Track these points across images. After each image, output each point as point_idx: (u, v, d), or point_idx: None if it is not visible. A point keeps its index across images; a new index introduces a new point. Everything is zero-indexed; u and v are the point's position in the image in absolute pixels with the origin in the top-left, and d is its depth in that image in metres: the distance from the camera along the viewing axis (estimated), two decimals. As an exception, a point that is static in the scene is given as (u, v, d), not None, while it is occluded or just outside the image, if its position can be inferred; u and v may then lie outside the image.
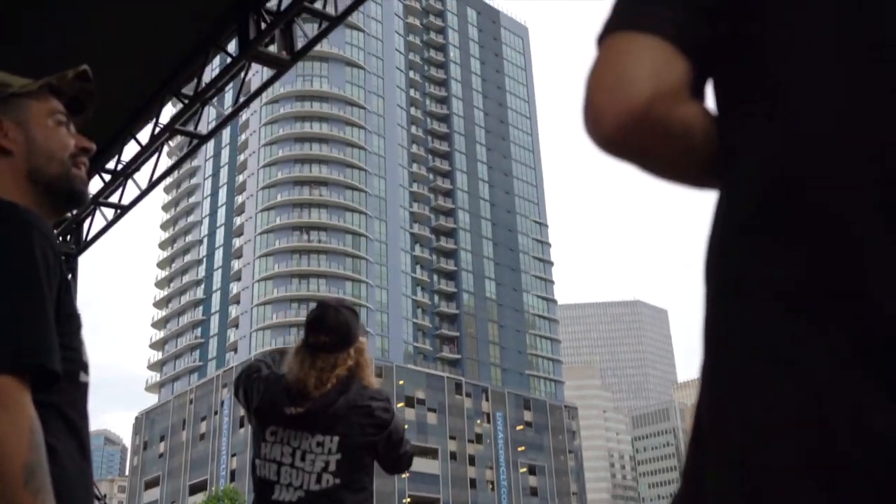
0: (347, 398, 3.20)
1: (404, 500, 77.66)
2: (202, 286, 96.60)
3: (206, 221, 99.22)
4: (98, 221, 11.27)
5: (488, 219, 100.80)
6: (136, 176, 10.67)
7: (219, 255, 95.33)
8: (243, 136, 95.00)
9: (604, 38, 0.91)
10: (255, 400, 3.33)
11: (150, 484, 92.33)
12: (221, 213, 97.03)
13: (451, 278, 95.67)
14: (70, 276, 1.57)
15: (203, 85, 8.83)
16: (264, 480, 3.21)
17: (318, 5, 7.92)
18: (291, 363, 3.31)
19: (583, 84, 0.90)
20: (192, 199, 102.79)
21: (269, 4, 7.82)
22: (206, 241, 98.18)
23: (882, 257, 0.76)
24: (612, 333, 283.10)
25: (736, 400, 0.81)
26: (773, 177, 0.84)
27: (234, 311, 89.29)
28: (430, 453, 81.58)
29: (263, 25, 7.77)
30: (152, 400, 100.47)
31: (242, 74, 8.80)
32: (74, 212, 10.81)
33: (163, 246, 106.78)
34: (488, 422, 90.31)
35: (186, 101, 9.08)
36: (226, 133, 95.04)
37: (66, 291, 1.54)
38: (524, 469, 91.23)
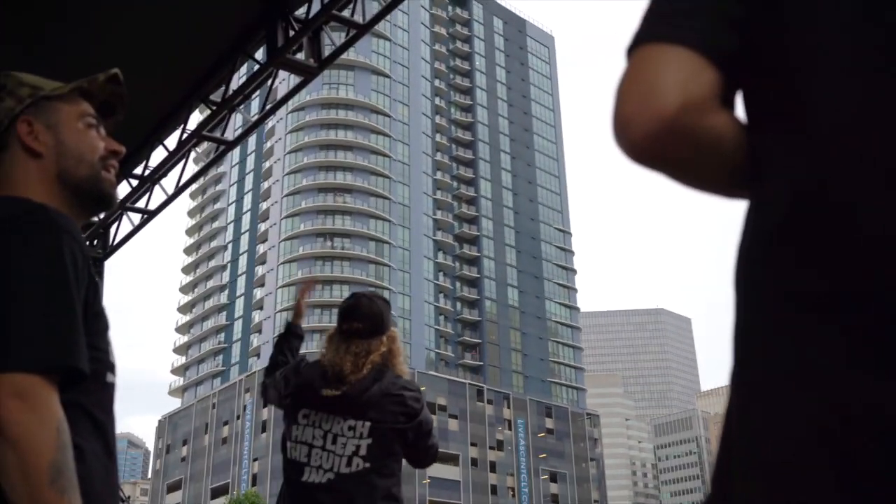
0: (381, 385, 3.25)
1: (425, 507, 77.59)
2: (226, 291, 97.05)
3: (230, 227, 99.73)
4: (125, 226, 11.38)
5: (511, 226, 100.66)
6: (163, 182, 10.77)
7: (243, 261, 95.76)
8: (269, 143, 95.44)
9: (633, 49, 0.92)
10: (290, 383, 3.39)
11: (173, 487, 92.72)
12: (246, 219, 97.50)
13: (473, 285, 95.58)
14: (97, 278, 1.64)
15: (230, 92, 8.90)
16: (294, 462, 3.26)
17: (345, 14, 7.97)
18: (326, 348, 3.38)
19: (613, 94, 0.92)
20: (218, 206, 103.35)
21: (297, 12, 7.88)
22: (230, 246, 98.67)
23: None
24: (636, 342, 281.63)
25: (763, 406, 0.82)
26: (801, 188, 0.84)
27: (257, 316, 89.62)
28: (452, 459, 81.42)
29: (291, 33, 7.83)
30: (175, 404, 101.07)
31: (269, 82, 8.86)
32: (102, 216, 10.94)
33: (188, 251, 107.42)
34: (510, 429, 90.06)
35: (214, 108, 9.15)
36: (251, 140, 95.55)
37: (94, 293, 1.56)
38: (545, 476, 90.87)
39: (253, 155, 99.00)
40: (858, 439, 0.75)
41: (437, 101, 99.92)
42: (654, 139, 0.88)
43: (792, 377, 0.80)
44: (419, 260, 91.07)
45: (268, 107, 9.56)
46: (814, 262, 0.81)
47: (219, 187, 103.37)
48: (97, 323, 1.56)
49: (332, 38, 8.31)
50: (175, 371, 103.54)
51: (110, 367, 1.62)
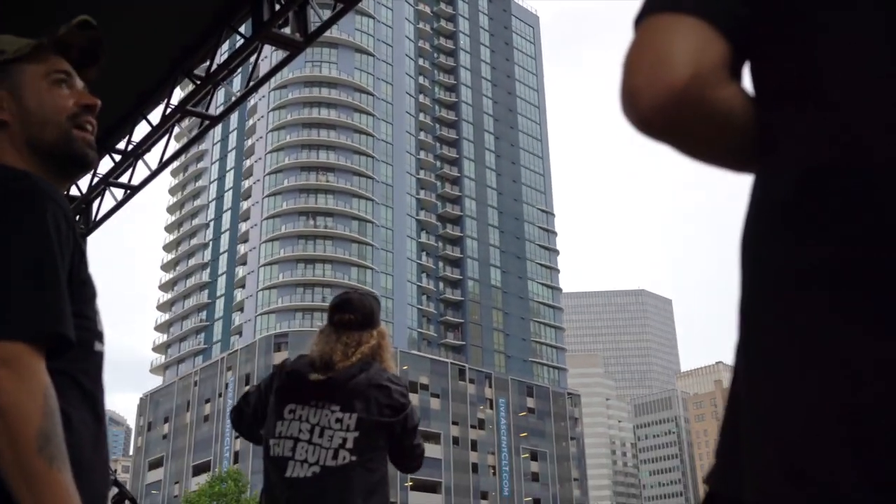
0: (368, 375, 3.29)
1: (406, 484, 77.98)
2: (208, 270, 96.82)
3: (212, 205, 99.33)
4: (107, 202, 11.30)
5: (495, 207, 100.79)
6: (147, 157, 10.69)
7: (225, 239, 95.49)
8: (251, 121, 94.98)
9: (642, 19, 0.91)
10: (271, 391, 3.41)
11: (154, 464, 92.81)
12: (228, 197, 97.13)
13: (456, 265, 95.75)
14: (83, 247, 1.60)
15: (215, 66, 8.83)
16: (277, 459, 3.24)
17: (331, -12, 7.90)
18: (316, 341, 3.41)
19: (621, 65, 0.90)
20: (199, 183, 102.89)
21: (282, -14, 7.80)
22: (212, 224, 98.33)
23: None
24: (617, 322, 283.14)
25: (772, 380, 0.81)
26: (812, 164, 0.83)
27: (239, 294, 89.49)
28: (433, 438, 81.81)
29: (277, 7, 7.76)
30: (157, 382, 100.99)
31: (253, 58, 8.79)
32: (84, 192, 10.86)
33: (169, 229, 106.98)
34: (491, 408, 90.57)
35: (198, 83, 9.08)
36: (233, 117, 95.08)
37: (80, 260, 1.52)
38: (526, 454, 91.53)
39: (235, 132, 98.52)
40: (870, 405, 0.74)
41: (420, 80, 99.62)
42: (663, 111, 0.86)
43: (804, 351, 0.79)
44: (402, 239, 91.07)
45: (251, 83, 9.49)
46: (825, 238, 0.80)
47: (200, 164, 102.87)
48: (84, 291, 1.54)
49: (319, 12, 8.25)
50: (157, 349, 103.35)
51: (98, 336, 1.58)
